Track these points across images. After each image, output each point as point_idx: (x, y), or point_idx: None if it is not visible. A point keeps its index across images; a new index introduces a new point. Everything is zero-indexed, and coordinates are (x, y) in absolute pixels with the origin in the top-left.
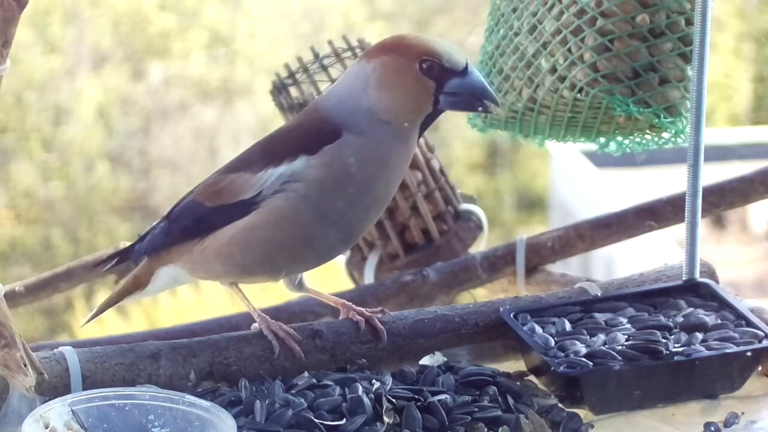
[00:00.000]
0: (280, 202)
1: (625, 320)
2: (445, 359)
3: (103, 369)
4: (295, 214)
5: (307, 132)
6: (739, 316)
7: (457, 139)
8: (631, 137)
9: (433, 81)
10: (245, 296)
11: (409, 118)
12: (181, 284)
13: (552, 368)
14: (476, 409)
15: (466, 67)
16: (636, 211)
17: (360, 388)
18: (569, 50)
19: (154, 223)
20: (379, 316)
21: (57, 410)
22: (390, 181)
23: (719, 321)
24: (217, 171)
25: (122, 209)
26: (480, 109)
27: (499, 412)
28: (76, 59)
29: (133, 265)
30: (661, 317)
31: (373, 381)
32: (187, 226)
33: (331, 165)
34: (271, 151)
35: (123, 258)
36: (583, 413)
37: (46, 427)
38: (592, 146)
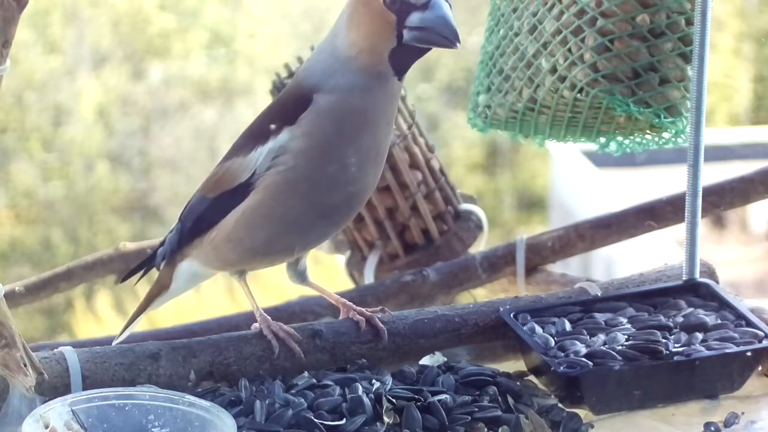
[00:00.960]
0: (272, 177)
1: (625, 320)
2: (445, 359)
3: (103, 369)
4: (288, 186)
5: (286, 103)
6: (739, 316)
7: (457, 139)
8: (632, 137)
9: (395, 15)
10: (251, 292)
11: (373, 52)
12: (203, 280)
13: (552, 368)
14: (476, 409)
15: (428, 2)
16: (636, 211)
17: (360, 388)
18: (569, 50)
19: (172, 227)
20: (380, 315)
21: (57, 410)
22: (376, 131)
23: (719, 321)
24: (217, 164)
25: (122, 209)
26: (442, 44)
27: (499, 412)
28: (76, 59)
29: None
30: (661, 317)
31: (373, 381)
32: (196, 220)
33: (311, 131)
34: (258, 130)
35: (149, 267)
36: (583, 413)
37: (46, 427)
38: (592, 146)
